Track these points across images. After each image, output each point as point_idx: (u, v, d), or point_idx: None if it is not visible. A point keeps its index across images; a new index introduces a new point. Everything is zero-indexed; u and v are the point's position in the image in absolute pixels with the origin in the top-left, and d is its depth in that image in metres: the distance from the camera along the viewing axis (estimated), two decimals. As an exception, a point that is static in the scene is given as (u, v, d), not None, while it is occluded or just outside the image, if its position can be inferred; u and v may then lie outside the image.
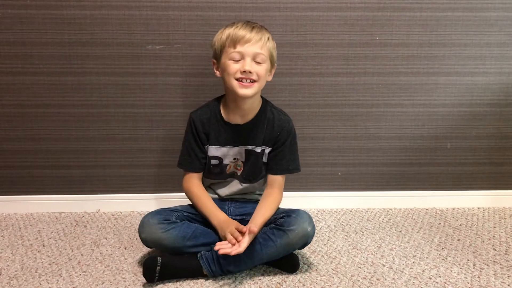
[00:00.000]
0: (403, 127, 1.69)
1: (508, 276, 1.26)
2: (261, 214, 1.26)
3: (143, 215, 1.61)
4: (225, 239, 1.21)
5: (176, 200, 1.53)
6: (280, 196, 1.36)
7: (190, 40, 1.57)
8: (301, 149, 1.67)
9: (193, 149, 1.35)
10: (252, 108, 1.33)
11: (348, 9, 1.58)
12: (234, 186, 1.40)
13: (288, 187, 1.69)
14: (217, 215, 1.29)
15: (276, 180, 1.36)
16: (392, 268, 1.30)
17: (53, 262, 1.32)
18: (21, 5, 1.52)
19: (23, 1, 1.52)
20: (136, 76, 1.60)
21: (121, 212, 1.69)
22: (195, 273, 1.24)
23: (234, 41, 1.24)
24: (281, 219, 1.26)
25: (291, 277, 1.25)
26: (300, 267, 1.30)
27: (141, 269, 1.28)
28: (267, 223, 1.28)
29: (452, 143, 1.72)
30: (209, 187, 1.43)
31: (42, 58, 1.57)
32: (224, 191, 1.41)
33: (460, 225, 1.60)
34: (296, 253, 1.31)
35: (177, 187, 1.65)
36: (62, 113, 1.62)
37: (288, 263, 1.28)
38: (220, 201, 1.40)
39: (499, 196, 1.76)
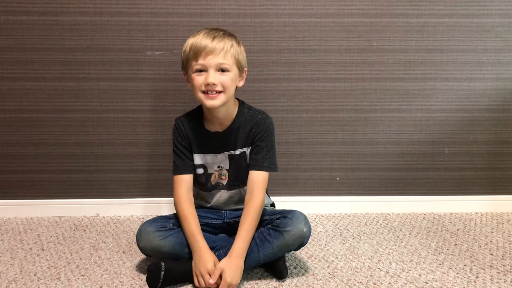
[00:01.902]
0: (400, 132, 1.70)
1: (505, 281, 1.26)
2: (243, 236, 1.23)
3: (142, 220, 1.64)
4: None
5: (174, 204, 1.54)
6: (260, 198, 1.28)
7: (189, 46, 1.58)
8: (300, 154, 1.69)
9: (183, 151, 1.34)
10: (227, 115, 1.32)
11: (345, 15, 1.59)
12: (222, 196, 1.39)
13: (286, 192, 1.71)
14: (199, 247, 1.23)
15: (253, 180, 1.30)
16: (388, 273, 1.30)
17: (52, 266, 1.33)
18: (22, 11, 1.54)
19: (24, 7, 1.54)
20: (136, 81, 1.61)
21: (120, 217, 1.70)
22: None
23: (196, 54, 1.22)
24: (277, 220, 1.27)
25: (288, 281, 1.26)
26: (297, 272, 1.31)
27: (139, 273, 1.29)
28: (264, 224, 1.29)
29: (449, 148, 1.72)
30: (199, 199, 1.42)
31: (43, 63, 1.59)
32: (214, 203, 1.41)
33: (458, 230, 1.60)
34: (285, 262, 1.30)
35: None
36: (62, 118, 1.63)
37: (276, 270, 1.27)
38: (216, 208, 1.41)
39: (497, 201, 1.76)
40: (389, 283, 1.25)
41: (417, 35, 1.62)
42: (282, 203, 1.59)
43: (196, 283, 1.21)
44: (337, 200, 1.74)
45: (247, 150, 1.35)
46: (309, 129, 1.68)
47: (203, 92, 1.24)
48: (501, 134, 1.71)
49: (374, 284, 1.24)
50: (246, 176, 1.34)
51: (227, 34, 1.27)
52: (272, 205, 1.49)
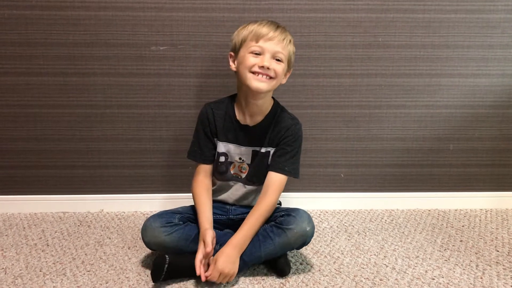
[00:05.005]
0: (405, 128, 1.69)
1: (511, 277, 1.26)
2: (245, 230, 1.23)
3: (146, 215, 1.64)
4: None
5: (179, 200, 1.53)
6: (273, 199, 1.29)
7: (194, 41, 1.58)
8: (304, 150, 1.67)
9: (203, 139, 1.35)
10: (262, 109, 1.33)
11: (351, 10, 1.59)
12: (239, 190, 1.39)
13: (291, 188, 1.70)
14: (202, 224, 1.26)
15: (271, 181, 1.31)
16: (395, 269, 1.30)
17: (57, 262, 1.33)
18: (26, 5, 1.53)
19: (28, 2, 1.53)
20: (140, 77, 1.61)
21: (124, 212, 1.69)
22: None
23: (257, 36, 1.24)
24: (281, 218, 1.27)
25: (294, 277, 1.26)
26: (303, 268, 1.30)
27: (145, 269, 1.29)
28: (267, 221, 1.29)
29: (454, 145, 1.72)
30: (215, 191, 1.41)
31: (47, 58, 1.58)
32: (229, 196, 1.40)
33: (463, 226, 1.60)
34: (287, 259, 1.30)
35: (181, 187, 1.66)
36: (66, 114, 1.63)
37: (278, 267, 1.27)
38: (223, 203, 1.41)
39: (502, 198, 1.76)
40: (396, 279, 1.25)
41: (422, 31, 1.61)
42: (287, 199, 1.58)
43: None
44: (341, 197, 1.73)
45: (272, 150, 1.34)
46: (314, 125, 1.67)
47: (252, 72, 1.24)
48: (506, 130, 1.71)
49: (380, 280, 1.24)
50: (265, 174, 1.34)
51: (288, 31, 1.31)
52: (279, 203, 1.48)
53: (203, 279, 1.17)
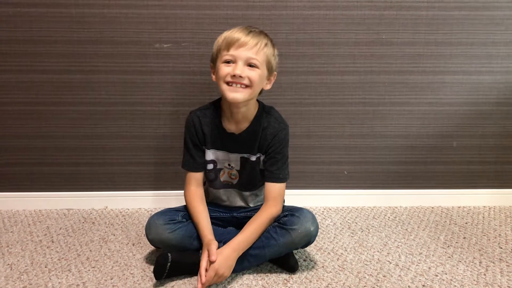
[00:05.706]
0: (409, 125, 1.69)
1: (514, 274, 1.26)
2: (246, 235, 1.22)
3: (150, 212, 1.65)
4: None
5: (183, 197, 1.53)
6: (275, 209, 1.28)
7: (197, 39, 1.58)
8: (308, 147, 1.69)
9: (192, 149, 1.33)
10: (246, 116, 1.30)
11: (354, 7, 1.59)
12: (236, 197, 1.39)
13: (294, 185, 1.71)
14: (205, 235, 1.24)
15: (270, 191, 1.30)
16: (398, 266, 1.30)
17: (62, 258, 1.34)
18: (31, 3, 1.54)
19: (32, 0, 1.53)
20: (144, 74, 1.61)
21: (128, 209, 1.70)
22: None
23: (228, 44, 1.21)
24: (285, 218, 1.26)
25: (297, 273, 1.26)
26: (307, 264, 1.31)
27: (149, 265, 1.29)
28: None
29: (458, 142, 1.72)
30: (212, 203, 1.40)
31: (51, 56, 1.58)
32: (227, 203, 1.40)
33: (466, 223, 1.60)
34: (294, 255, 1.30)
35: (184, 184, 1.67)
36: (70, 111, 1.63)
37: (287, 264, 1.28)
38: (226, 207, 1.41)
39: (505, 195, 1.76)
40: (399, 275, 1.25)
41: (426, 28, 1.61)
42: (290, 196, 1.58)
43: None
44: (345, 194, 1.74)
45: (262, 156, 1.33)
46: (317, 122, 1.68)
47: (227, 83, 1.21)
48: (510, 127, 1.71)
49: (384, 276, 1.25)
50: (258, 179, 1.35)
51: (264, 33, 1.26)
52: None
53: (199, 287, 1.15)
